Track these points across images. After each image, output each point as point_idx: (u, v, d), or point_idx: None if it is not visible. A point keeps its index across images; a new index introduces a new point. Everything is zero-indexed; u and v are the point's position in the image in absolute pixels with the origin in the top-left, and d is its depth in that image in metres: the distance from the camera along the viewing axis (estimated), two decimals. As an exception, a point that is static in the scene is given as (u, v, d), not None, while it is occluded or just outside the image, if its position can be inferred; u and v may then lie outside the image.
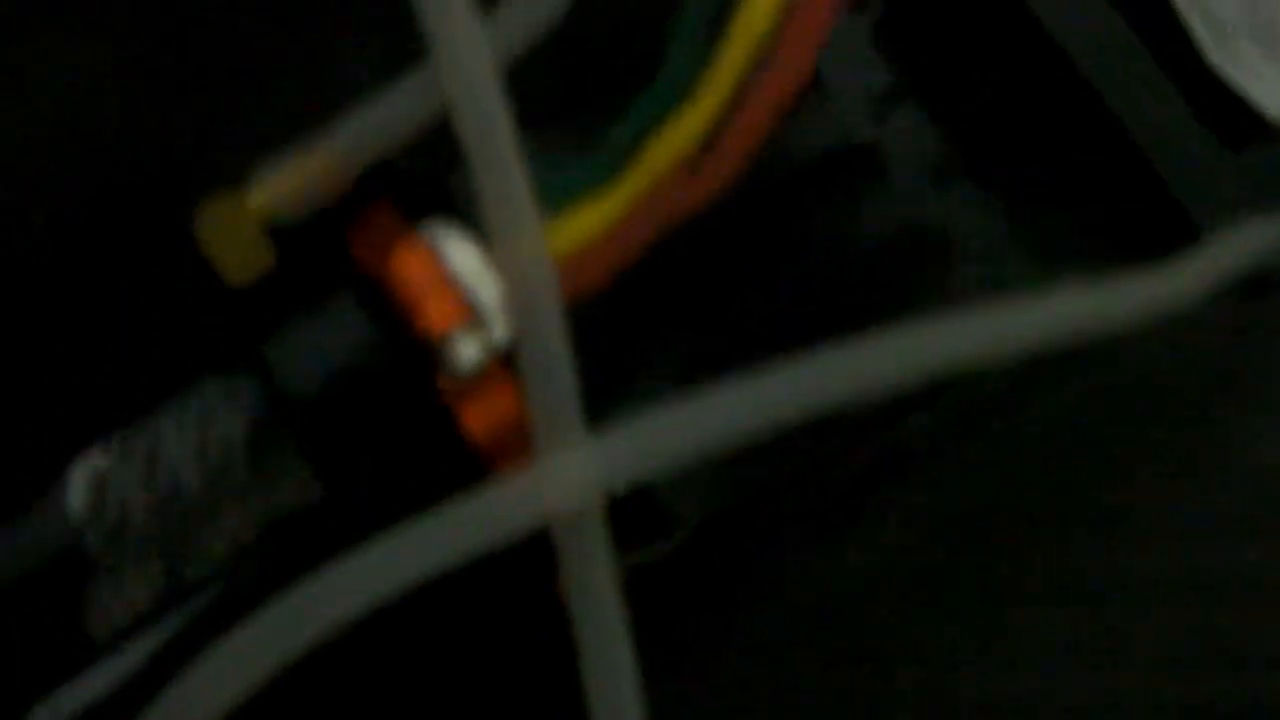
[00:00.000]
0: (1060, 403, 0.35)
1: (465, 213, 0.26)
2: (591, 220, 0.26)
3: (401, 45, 0.26)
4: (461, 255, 0.25)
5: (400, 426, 0.25)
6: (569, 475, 0.24)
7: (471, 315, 0.25)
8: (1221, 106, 0.31)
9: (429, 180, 0.27)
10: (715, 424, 0.25)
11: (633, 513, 0.26)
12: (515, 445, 0.25)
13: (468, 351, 0.25)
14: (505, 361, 0.25)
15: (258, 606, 0.24)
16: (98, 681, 0.25)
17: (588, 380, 0.27)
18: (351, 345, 0.25)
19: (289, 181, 0.26)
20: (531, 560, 0.27)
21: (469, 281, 0.25)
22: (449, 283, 0.25)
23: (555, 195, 0.26)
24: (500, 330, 0.25)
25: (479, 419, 0.25)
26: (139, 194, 0.29)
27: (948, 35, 0.33)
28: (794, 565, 0.31)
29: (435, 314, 0.25)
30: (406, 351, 0.25)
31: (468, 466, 0.25)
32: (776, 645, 0.31)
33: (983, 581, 0.32)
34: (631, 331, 0.29)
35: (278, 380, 0.25)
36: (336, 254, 0.26)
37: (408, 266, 0.25)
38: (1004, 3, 0.31)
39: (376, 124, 0.26)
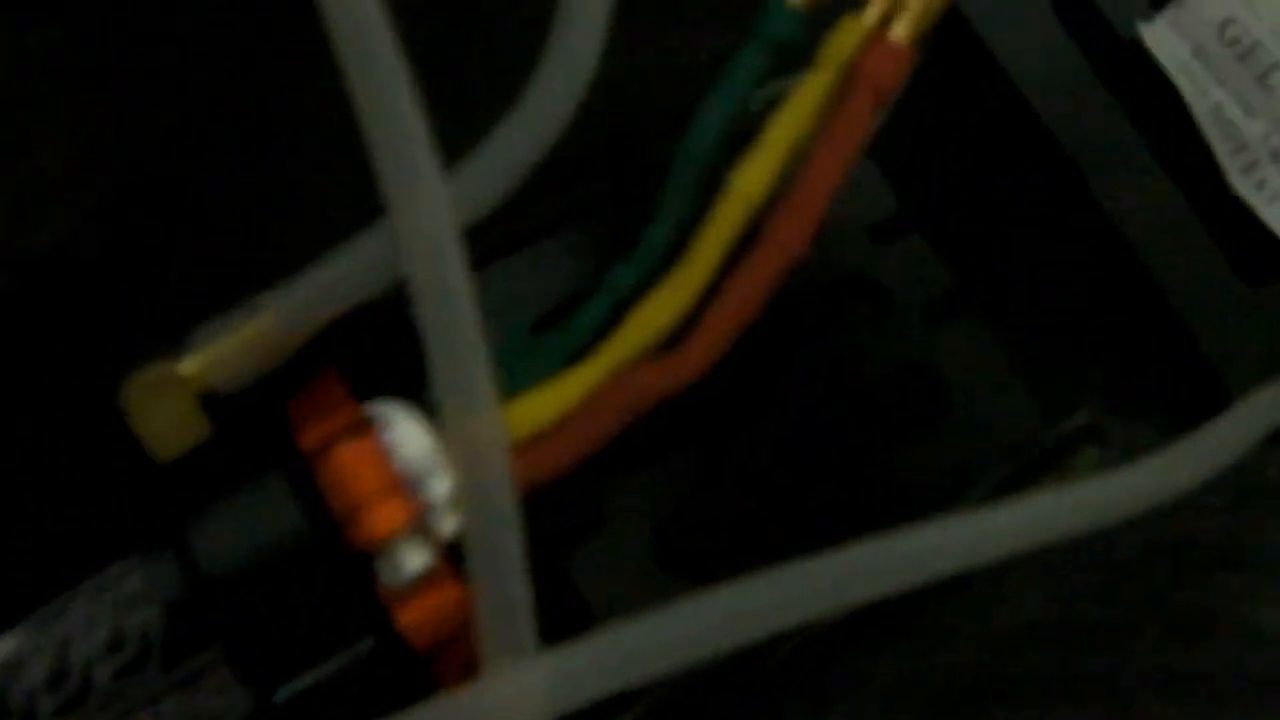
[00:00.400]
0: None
1: (419, 385, 0.24)
2: (554, 403, 0.24)
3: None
4: (411, 444, 0.23)
5: (332, 625, 0.23)
6: (516, 696, 0.22)
7: (418, 519, 0.23)
8: (1243, 234, 0.29)
9: (380, 349, 0.24)
10: (672, 644, 0.22)
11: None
12: (458, 649, 0.23)
13: (412, 561, 0.22)
14: (451, 554, 0.23)
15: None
16: None
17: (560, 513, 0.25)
18: (283, 533, 0.23)
19: (226, 348, 0.23)
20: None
21: (418, 473, 0.23)
22: (396, 483, 0.23)
23: (518, 371, 0.24)
24: (449, 525, 0.23)
25: (418, 623, 0.23)
26: (63, 350, 0.27)
27: (951, 161, 0.31)
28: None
29: (379, 520, 0.22)
30: (343, 544, 0.23)
31: (405, 668, 0.23)
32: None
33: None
34: (607, 465, 0.27)
35: (201, 566, 0.23)
36: (274, 428, 0.24)
37: (352, 462, 0.23)
38: (1015, 124, 0.29)
39: (324, 288, 0.23)
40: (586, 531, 0.27)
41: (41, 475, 0.25)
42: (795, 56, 0.25)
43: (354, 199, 0.23)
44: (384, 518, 0.22)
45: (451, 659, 0.23)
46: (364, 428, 0.23)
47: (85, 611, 0.23)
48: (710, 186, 0.24)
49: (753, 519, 0.28)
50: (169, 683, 0.23)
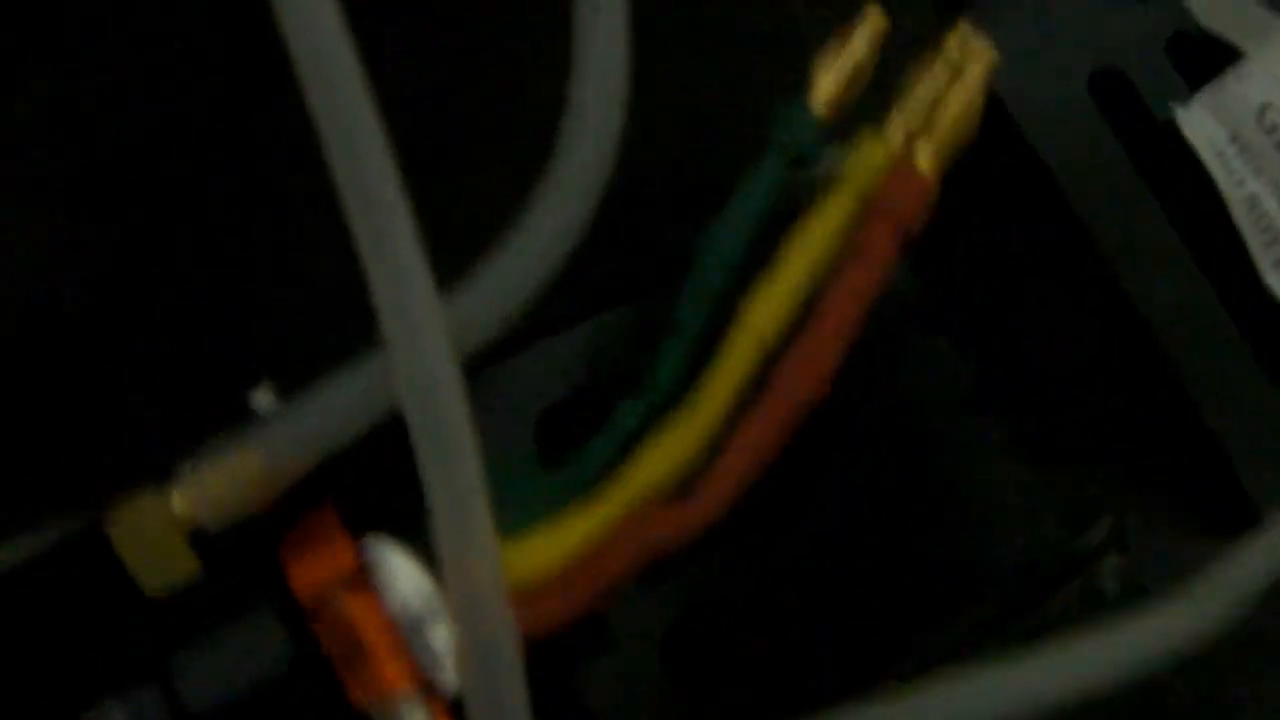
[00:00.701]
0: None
1: (418, 523, 0.23)
2: (559, 547, 0.23)
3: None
4: (408, 589, 0.22)
5: None
6: None
7: (418, 677, 0.22)
8: (1275, 331, 0.28)
9: (378, 486, 0.23)
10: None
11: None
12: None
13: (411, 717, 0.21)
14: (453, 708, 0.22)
15: None
16: None
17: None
18: (271, 674, 0.22)
19: (214, 485, 0.22)
20: None
21: (416, 620, 0.22)
22: (397, 638, 0.22)
23: (521, 512, 0.23)
24: (449, 677, 0.22)
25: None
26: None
27: (977, 248, 0.30)
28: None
29: (380, 677, 0.21)
30: (333, 687, 0.22)
31: None
32: None
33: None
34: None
35: (186, 705, 0.22)
36: (266, 565, 0.23)
37: (352, 615, 0.22)
38: (1046, 212, 0.28)
39: (313, 425, 0.22)
40: (595, 645, 0.26)
41: (27, 606, 0.24)
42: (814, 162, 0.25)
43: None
44: (385, 674, 0.21)
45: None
46: (362, 578, 0.22)
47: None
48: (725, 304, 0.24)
49: (762, 626, 0.27)
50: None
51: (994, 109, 0.27)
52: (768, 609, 0.28)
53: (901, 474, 0.28)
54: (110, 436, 0.27)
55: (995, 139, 0.27)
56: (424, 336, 0.21)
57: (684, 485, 0.23)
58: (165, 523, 0.22)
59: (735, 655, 0.27)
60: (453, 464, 0.21)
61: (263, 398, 0.23)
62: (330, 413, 0.22)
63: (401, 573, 0.22)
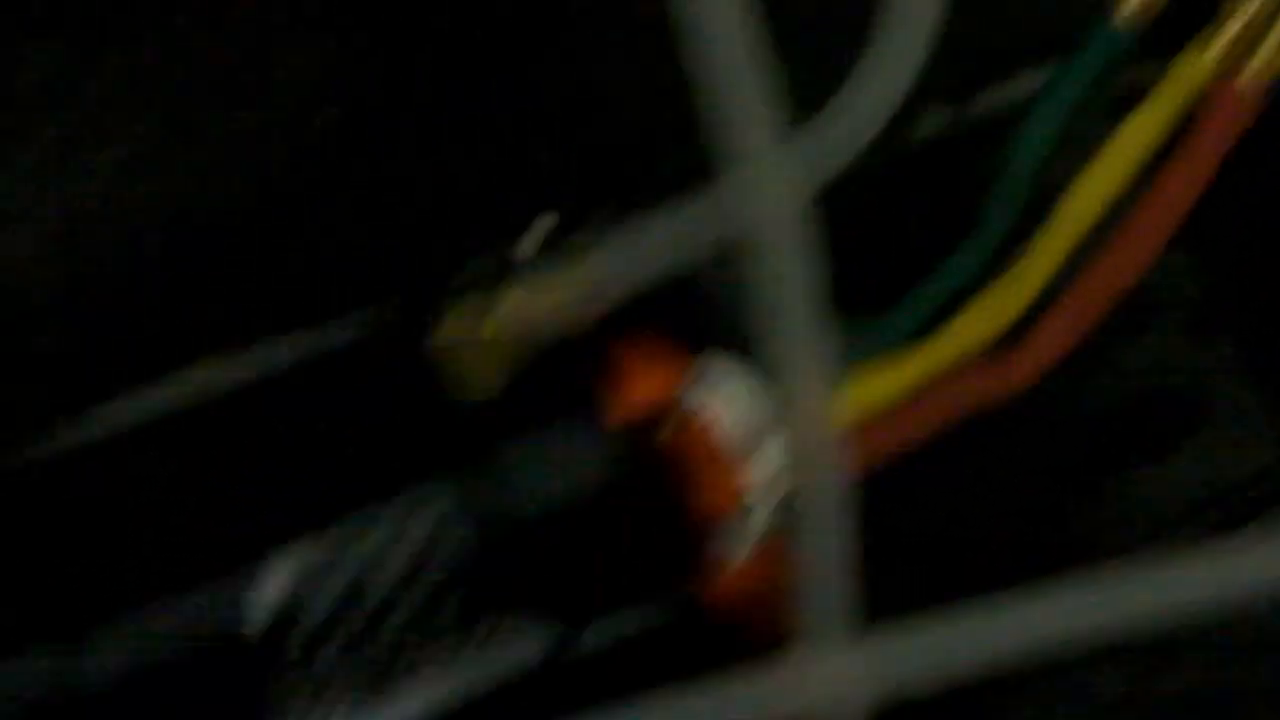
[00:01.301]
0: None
1: (737, 355, 0.23)
2: (881, 391, 0.23)
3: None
4: (740, 411, 0.22)
5: (638, 582, 0.22)
6: (827, 684, 0.21)
7: (745, 496, 0.22)
8: None
9: (701, 313, 0.24)
10: (989, 644, 0.22)
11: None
12: (761, 629, 0.22)
13: (736, 534, 0.22)
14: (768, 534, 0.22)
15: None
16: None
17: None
18: (601, 480, 0.22)
19: (541, 301, 0.23)
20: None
21: (745, 443, 0.22)
22: (729, 454, 0.22)
23: (846, 353, 0.23)
24: (773, 500, 0.22)
25: (726, 597, 0.22)
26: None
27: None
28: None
29: (712, 492, 0.22)
30: (661, 503, 0.22)
31: (703, 638, 0.22)
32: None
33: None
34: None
35: (511, 502, 0.22)
36: (585, 382, 0.23)
37: (683, 426, 0.22)
38: None
39: (646, 250, 0.23)
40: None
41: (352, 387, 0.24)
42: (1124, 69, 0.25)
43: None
44: (716, 490, 0.22)
45: (753, 638, 0.22)
46: (694, 391, 0.22)
47: (389, 531, 0.22)
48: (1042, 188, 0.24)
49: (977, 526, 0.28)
50: (467, 617, 0.22)
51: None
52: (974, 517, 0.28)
53: (1136, 389, 0.28)
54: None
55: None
56: (764, 158, 0.22)
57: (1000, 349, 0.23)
58: (487, 337, 0.22)
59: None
60: (791, 295, 0.22)
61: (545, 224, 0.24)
62: (661, 241, 0.23)
63: (733, 391, 0.22)
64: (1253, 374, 0.29)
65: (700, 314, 0.24)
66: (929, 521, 0.27)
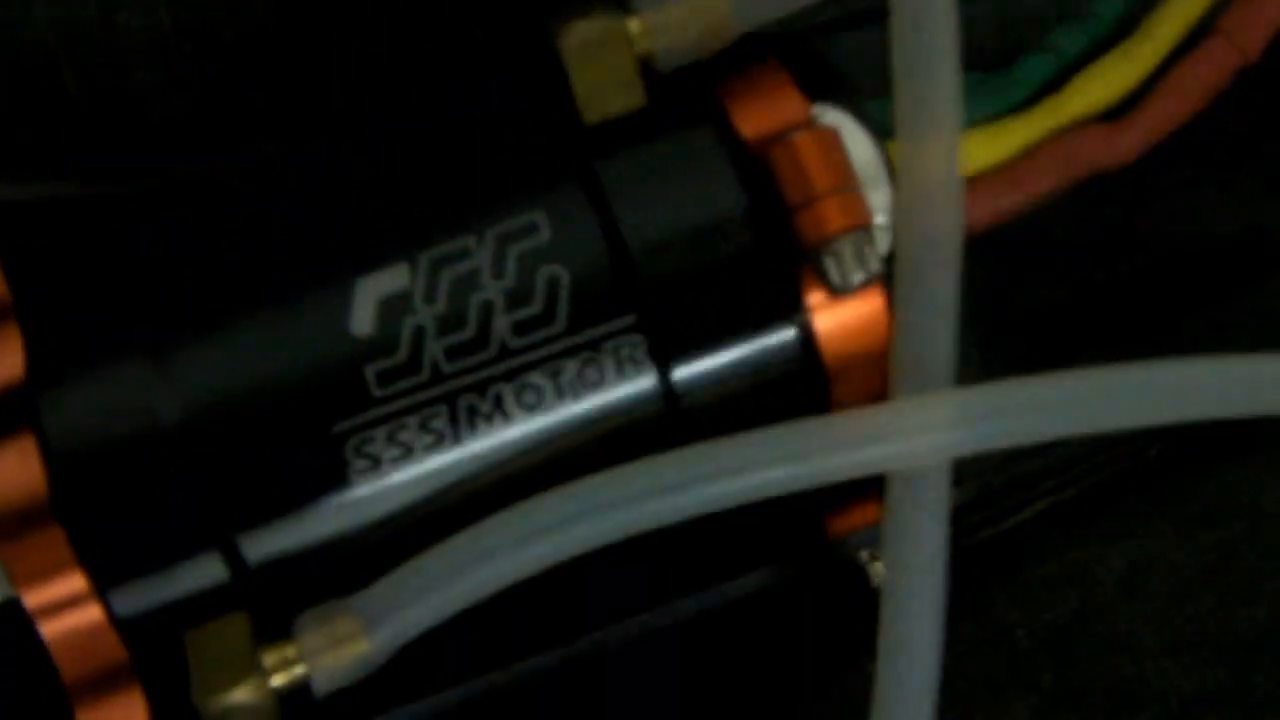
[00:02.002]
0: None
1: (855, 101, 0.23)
2: (992, 150, 0.23)
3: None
4: (857, 150, 0.22)
5: (749, 311, 0.22)
6: (930, 428, 0.21)
7: (867, 221, 0.21)
8: None
9: (822, 60, 0.23)
10: (1088, 412, 0.22)
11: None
12: (866, 378, 0.22)
13: (854, 263, 0.21)
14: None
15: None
16: (343, 515, 0.22)
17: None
18: (715, 208, 0.22)
19: (675, 14, 0.22)
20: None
21: (865, 182, 0.22)
22: (853, 182, 0.21)
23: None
24: (884, 245, 0.22)
25: (839, 337, 0.22)
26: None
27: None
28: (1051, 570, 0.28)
29: (834, 214, 0.21)
30: (778, 229, 0.22)
31: (812, 385, 0.22)
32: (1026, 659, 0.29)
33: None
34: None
35: (623, 227, 0.22)
36: (707, 103, 0.23)
37: (809, 151, 0.21)
38: None
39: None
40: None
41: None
42: None
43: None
44: (845, 210, 0.21)
45: (853, 385, 0.22)
46: (818, 124, 0.22)
47: (486, 256, 0.22)
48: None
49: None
50: (572, 344, 0.22)
51: None
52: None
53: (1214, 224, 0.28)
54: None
55: None
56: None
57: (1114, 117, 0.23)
58: (618, 45, 0.22)
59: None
60: (929, 32, 0.21)
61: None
62: None
63: (851, 131, 0.22)
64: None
65: (817, 63, 0.23)
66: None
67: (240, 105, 0.27)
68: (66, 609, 0.22)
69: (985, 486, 0.27)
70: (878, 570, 0.24)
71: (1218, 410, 0.22)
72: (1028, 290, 0.27)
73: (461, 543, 0.21)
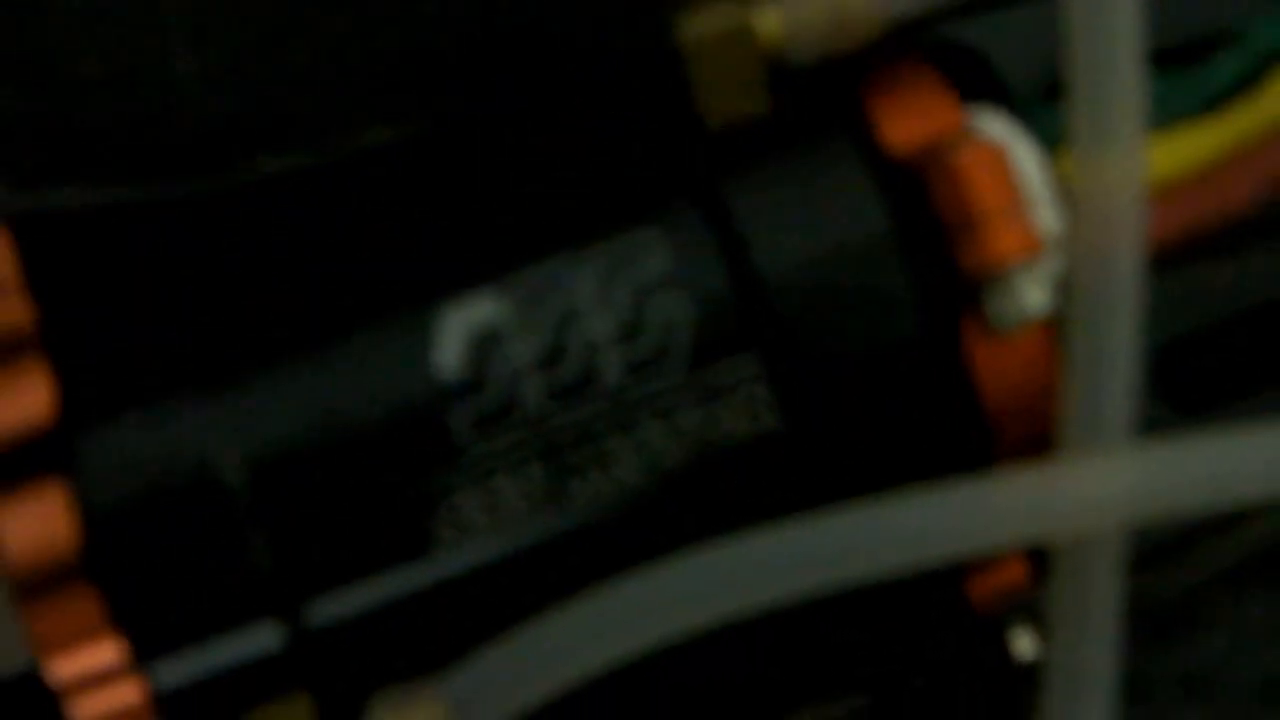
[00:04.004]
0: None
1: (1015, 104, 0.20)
2: (1182, 157, 0.20)
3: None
4: (1029, 164, 0.19)
5: (902, 362, 0.19)
6: (1108, 487, 0.18)
7: (1038, 248, 0.18)
8: None
9: (976, 54, 0.20)
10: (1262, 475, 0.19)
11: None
12: (1028, 415, 0.19)
13: (1030, 294, 0.18)
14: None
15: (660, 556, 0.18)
16: (422, 582, 0.19)
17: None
18: (860, 230, 0.19)
19: (812, 8, 0.19)
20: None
21: (1035, 205, 0.19)
22: (1022, 203, 0.18)
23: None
24: (1053, 273, 0.19)
25: (1003, 381, 0.19)
26: None
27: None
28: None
29: (1001, 239, 0.18)
30: (927, 261, 0.19)
31: (970, 436, 0.19)
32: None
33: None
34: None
35: (752, 254, 0.19)
36: (847, 110, 0.19)
37: (971, 167, 0.18)
38: None
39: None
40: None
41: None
42: None
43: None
44: (1013, 235, 0.18)
45: (1013, 437, 0.19)
46: (971, 141, 0.19)
47: (593, 285, 0.19)
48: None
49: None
50: (692, 388, 0.18)
51: None
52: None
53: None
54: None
55: None
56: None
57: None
58: (743, 42, 0.19)
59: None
60: (1108, 25, 0.18)
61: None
62: None
63: (1022, 148, 0.19)
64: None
65: (970, 59, 0.20)
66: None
67: (301, 102, 0.24)
68: (99, 683, 0.19)
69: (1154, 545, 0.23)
70: (1023, 645, 0.21)
71: None
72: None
73: (562, 619, 0.18)
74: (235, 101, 0.24)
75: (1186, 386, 0.23)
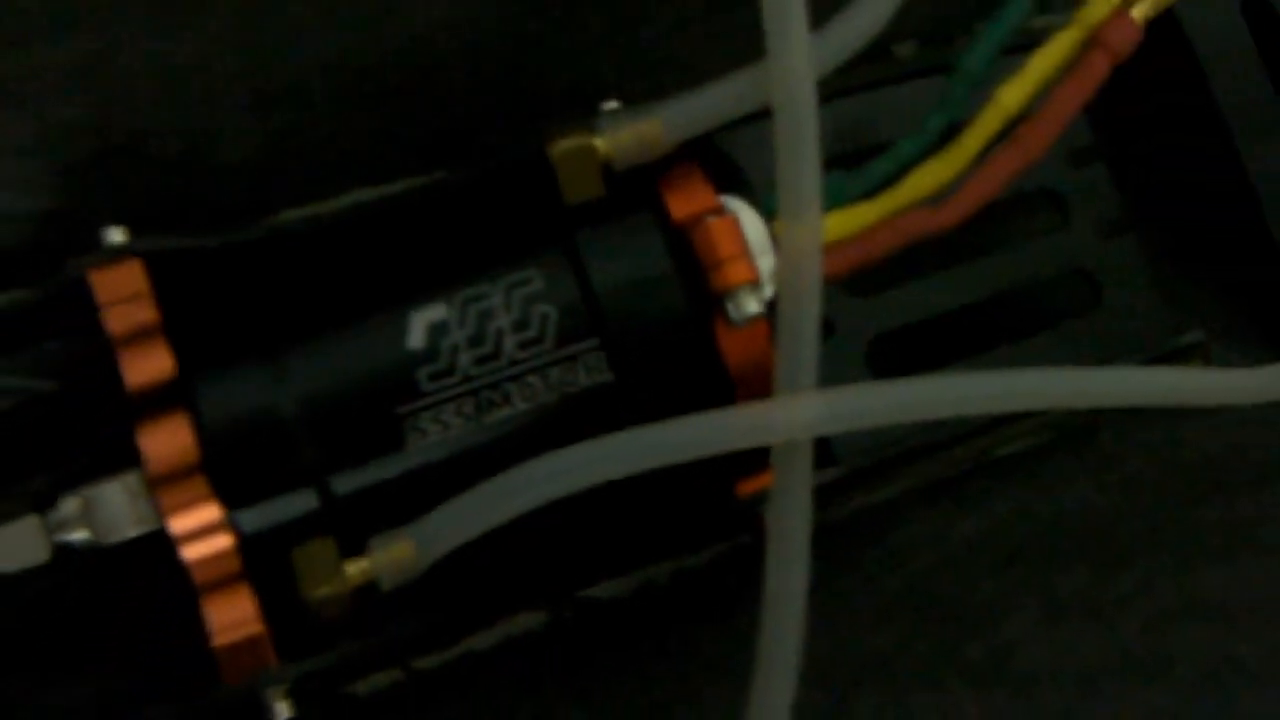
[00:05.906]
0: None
1: (751, 191, 0.33)
2: (849, 224, 0.33)
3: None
4: (753, 228, 0.32)
5: (679, 342, 0.32)
6: (797, 415, 0.31)
7: (756, 278, 0.32)
8: None
9: (728, 160, 0.34)
10: (907, 407, 0.32)
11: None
12: (758, 382, 0.32)
13: (750, 305, 0.32)
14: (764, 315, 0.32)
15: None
16: (401, 469, 0.32)
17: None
18: (654, 268, 0.32)
19: (625, 136, 0.32)
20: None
21: (756, 250, 0.32)
22: (747, 250, 0.32)
23: (830, 195, 0.33)
24: (769, 292, 0.32)
25: (738, 354, 0.32)
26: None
27: (1142, 115, 0.42)
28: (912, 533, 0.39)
29: (736, 271, 0.32)
30: (693, 284, 0.32)
31: (720, 386, 0.33)
32: (892, 601, 0.39)
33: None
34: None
35: (590, 279, 0.32)
36: (648, 195, 0.33)
37: (717, 230, 0.32)
38: (1191, 93, 0.41)
39: (707, 105, 0.32)
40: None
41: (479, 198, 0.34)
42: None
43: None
44: (739, 270, 0.32)
45: (748, 387, 0.32)
46: (724, 211, 0.32)
47: (500, 298, 0.32)
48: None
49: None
50: (557, 357, 0.32)
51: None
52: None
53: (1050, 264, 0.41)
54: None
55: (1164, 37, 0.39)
56: (795, 50, 0.31)
57: (935, 201, 0.34)
58: (588, 154, 0.32)
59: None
60: (801, 144, 0.31)
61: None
62: (716, 101, 0.32)
63: (747, 215, 0.32)
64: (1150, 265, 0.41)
65: (724, 163, 0.34)
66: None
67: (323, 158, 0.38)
68: (206, 533, 0.32)
69: (856, 467, 0.37)
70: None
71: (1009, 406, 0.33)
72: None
73: (483, 489, 0.31)
74: (265, 173, 0.37)
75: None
